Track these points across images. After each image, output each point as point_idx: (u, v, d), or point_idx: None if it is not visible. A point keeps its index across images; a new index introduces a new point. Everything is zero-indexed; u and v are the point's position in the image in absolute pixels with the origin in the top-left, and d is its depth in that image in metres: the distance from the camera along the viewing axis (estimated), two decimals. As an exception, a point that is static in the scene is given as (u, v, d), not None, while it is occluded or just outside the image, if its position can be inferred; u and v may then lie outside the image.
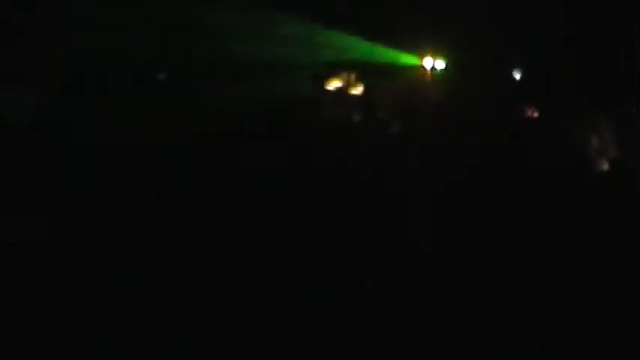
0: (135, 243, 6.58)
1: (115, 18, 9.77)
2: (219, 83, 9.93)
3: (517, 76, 10.52)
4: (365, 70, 10.68)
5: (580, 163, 9.67)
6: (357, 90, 10.68)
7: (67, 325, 5.49)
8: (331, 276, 6.73)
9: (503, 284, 6.77)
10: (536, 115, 10.54)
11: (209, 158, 8.66)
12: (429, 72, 10.76)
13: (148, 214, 7.06)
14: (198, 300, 5.96)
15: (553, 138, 9.90)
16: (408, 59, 10.73)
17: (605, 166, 9.73)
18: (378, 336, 5.91)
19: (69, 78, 9.05)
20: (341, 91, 10.69)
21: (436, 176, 8.89)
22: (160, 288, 6.03)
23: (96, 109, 8.79)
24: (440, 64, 10.70)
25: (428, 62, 10.70)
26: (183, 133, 9.03)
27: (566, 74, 10.19)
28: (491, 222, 7.94)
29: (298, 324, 5.93)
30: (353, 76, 10.68)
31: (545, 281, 6.80)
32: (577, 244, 7.42)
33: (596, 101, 10.03)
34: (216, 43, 10.10)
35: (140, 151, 8.20)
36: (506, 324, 6.21)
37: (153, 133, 8.76)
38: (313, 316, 6.02)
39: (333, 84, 10.68)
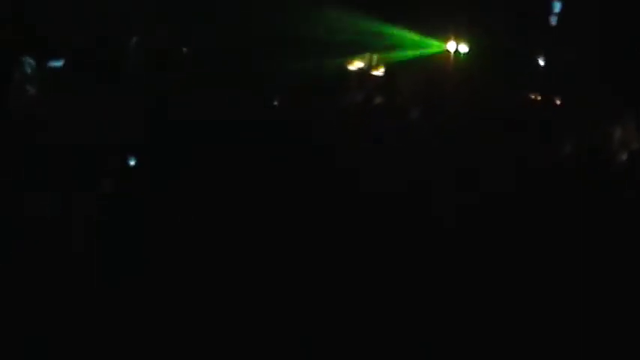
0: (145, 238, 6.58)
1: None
2: (237, 62, 9.91)
3: (541, 62, 10.40)
4: (387, 52, 10.65)
5: (602, 155, 9.55)
6: (379, 71, 10.66)
7: (69, 324, 5.51)
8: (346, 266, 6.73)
9: (525, 278, 6.74)
10: (559, 102, 10.43)
11: (230, 134, 8.66)
12: (453, 56, 10.68)
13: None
14: (198, 300, 5.95)
15: (575, 127, 9.79)
16: (431, 43, 10.65)
17: (627, 158, 9.61)
18: (380, 336, 5.90)
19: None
20: (363, 72, 10.68)
21: (456, 162, 8.83)
22: (160, 287, 6.02)
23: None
24: (463, 48, 10.61)
25: (452, 46, 10.60)
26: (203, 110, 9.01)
27: (591, 64, 10.04)
28: (510, 211, 7.89)
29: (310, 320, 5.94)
30: (375, 58, 10.66)
31: (567, 277, 6.75)
32: (593, 238, 7.35)
33: (621, 92, 9.88)
34: (237, 22, 10.10)
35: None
36: (521, 323, 6.17)
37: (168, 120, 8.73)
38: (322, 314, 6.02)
39: (356, 64, 10.67)
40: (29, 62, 8.07)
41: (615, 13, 9.70)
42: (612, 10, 9.70)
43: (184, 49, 10.05)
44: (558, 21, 9.96)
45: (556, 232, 7.47)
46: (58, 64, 8.32)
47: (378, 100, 10.39)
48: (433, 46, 10.55)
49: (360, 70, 10.71)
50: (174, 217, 6.65)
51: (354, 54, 10.62)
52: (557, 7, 9.75)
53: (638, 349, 5.95)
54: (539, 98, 10.27)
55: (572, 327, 6.12)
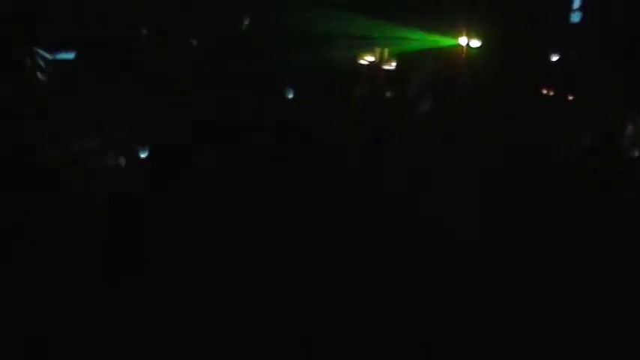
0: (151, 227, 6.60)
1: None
2: (250, 54, 9.92)
3: (553, 58, 10.32)
4: (399, 46, 10.62)
5: (612, 151, 9.51)
6: (390, 65, 10.64)
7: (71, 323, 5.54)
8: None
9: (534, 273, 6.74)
10: (570, 98, 10.37)
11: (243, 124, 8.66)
12: (464, 50, 10.62)
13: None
14: (199, 300, 5.97)
15: (585, 123, 9.74)
16: (443, 37, 10.60)
17: (636, 155, 9.56)
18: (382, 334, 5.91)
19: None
20: (374, 66, 10.66)
21: (464, 154, 8.82)
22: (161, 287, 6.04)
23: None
24: (475, 43, 10.55)
25: (463, 40, 10.55)
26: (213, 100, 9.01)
27: (602, 61, 9.99)
28: (511, 209, 7.88)
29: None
30: (386, 52, 10.64)
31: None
32: (594, 237, 7.34)
33: (631, 89, 9.82)
34: (247, 16, 10.10)
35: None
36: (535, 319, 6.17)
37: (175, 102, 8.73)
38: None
39: (367, 58, 10.65)
40: (30, 60, 8.11)
41: (625, 11, 9.64)
42: (622, 8, 9.63)
43: (185, 49, 10.06)
44: (568, 18, 9.90)
45: (557, 230, 7.48)
46: (61, 59, 8.38)
47: (388, 93, 10.39)
48: (444, 40, 10.52)
49: (371, 64, 10.69)
50: (175, 217, 6.69)
51: (365, 48, 10.60)
52: (575, 3, 9.68)
53: (638, 349, 5.95)
54: (549, 94, 10.23)
55: (572, 324, 6.13)
